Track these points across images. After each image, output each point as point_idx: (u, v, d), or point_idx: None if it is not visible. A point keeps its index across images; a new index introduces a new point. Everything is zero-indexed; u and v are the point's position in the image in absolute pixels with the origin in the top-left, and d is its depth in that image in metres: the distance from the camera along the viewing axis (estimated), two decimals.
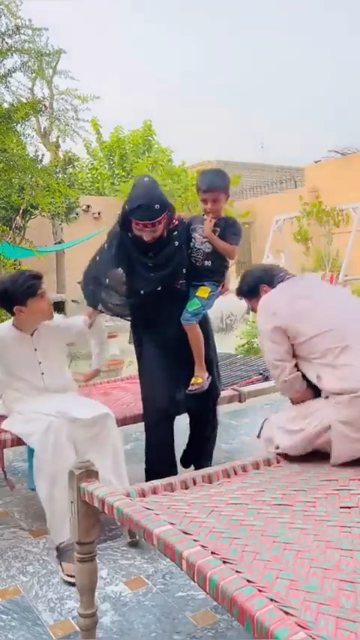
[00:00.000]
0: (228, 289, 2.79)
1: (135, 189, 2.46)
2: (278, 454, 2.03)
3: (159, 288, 2.55)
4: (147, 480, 1.99)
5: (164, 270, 2.54)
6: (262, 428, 2.23)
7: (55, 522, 2.22)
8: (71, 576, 2.06)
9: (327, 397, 1.96)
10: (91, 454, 2.32)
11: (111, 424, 2.43)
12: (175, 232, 2.56)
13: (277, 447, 2.05)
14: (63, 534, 2.19)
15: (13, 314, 2.55)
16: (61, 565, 2.19)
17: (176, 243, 2.55)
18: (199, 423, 2.84)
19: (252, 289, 2.35)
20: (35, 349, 2.63)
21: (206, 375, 2.66)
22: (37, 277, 2.56)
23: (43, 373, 2.65)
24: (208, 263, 2.61)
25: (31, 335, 2.63)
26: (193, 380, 2.64)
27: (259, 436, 2.23)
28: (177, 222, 2.59)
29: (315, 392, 2.08)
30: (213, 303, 2.71)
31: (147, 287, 2.55)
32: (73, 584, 2.02)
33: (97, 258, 2.68)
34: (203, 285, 2.63)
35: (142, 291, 2.56)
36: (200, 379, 2.64)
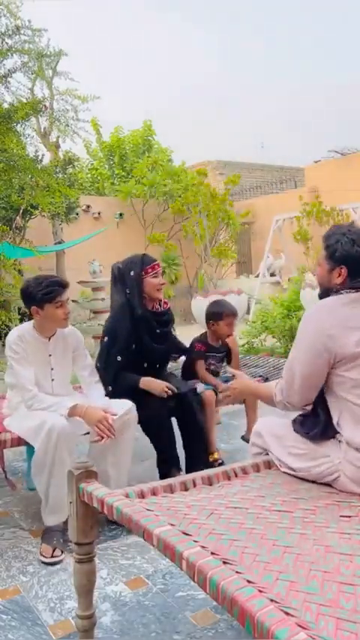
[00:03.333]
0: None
1: (128, 259, 2.96)
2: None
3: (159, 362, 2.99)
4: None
5: (163, 344, 2.97)
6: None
7: (46, 510, 2.40)
8: (43, 556, 2.28)
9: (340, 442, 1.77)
10: (111, 447, 2.52)
11: (134, 416, 2.64)
12: (168, 314, 3.04)
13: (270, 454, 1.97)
14: (51, 520, 2.38)
15: (31, 313, 2.59)
16: (40, 545, 2.35)
17: (170, 325, 3.05)
18: (188, 425, 2.91)
19: None
20: (50, 355, 2.66)
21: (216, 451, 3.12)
22: (61, 285, 2.55)
23: (53, 380, 2.67)
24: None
25: (48, 340, 2.65)
26: (212, 458, 3.04)
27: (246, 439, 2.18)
28: (168, 305, 3.07)
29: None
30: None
31: (151, 358, 2.93)
32: (46, 564, 2.25)
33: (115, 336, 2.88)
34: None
35: (145, 364, 2.91)
36: (217, 454, 3.08)
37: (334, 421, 1.77)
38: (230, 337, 3.26)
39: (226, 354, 3.37)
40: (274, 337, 6.55)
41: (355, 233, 1.82)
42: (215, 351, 3.27)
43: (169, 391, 2.74)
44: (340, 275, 1.81)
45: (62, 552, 2.29)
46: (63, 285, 2.57)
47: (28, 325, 2.64)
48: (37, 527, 2.54)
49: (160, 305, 3.00)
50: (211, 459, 3.03)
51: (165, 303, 3.05)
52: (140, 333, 2.85)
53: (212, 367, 3.28)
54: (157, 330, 2.91)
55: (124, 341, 2.83)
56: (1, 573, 2.21)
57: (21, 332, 2.58)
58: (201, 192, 11.44)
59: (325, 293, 1.87)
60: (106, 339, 2.89)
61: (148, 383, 2.79)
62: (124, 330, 2.83)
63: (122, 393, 2.74)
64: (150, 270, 2.85)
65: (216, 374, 3.31)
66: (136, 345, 2.86)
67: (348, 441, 1.71)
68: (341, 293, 1.79)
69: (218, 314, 3.23)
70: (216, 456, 3.07)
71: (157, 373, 2.92)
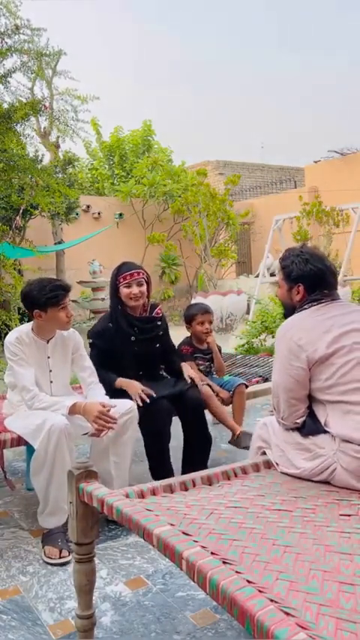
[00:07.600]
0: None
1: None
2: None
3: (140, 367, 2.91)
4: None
5: (146, 347, 2.89)
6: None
7: (45, 512, 2.38)
8: (50, 557, 2.27)
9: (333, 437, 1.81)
10: (113, 447, 2.57)
11: (135, 416, 2.62)
12: (160, 322, 2.98)
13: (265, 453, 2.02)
14: (50, 523, 2.37)
15: (32, 316, 2.57)
16: (43, 549, 2.32)
17: (161, 332, 2.97)
18: (193, 432, 2.89)
19: None
20: (48, 357, 2.65)
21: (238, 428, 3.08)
22: (65, 289, 2.56)
23: (52, 382, 2.67)
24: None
25: (47, 342, 2.65)
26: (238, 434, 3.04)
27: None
28: (161, 313, 3.02)
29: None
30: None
31: (130, 363, 2.87)
32: (52, 564, 2.24)
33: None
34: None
35: (128, 369, 2.86)
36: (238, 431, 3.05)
37: (322, 423, 1.84)
38: (209, 336, 3.29)
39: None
40: (274, 337, 6.54)
41: (307, 253, 2.03)
42: (201, 352, 3.31)
43: (144, 397, 2.68)
44: (298, 292, 2.01)
45: (69, 553, 2.25)
46: (66, 289, 2.57)
47: (26, 327, 2.64)
48: (37, 527, 2.53)
49: (149, 312, 2.97)
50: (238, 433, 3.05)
51: (158, 311, 3.00)
52: (117, 337, 2.87)
53: (201, 367, 3.30)
54: (132, 338, 2.87)
55: (103, 343, 2.88)
56: (1, 573, 2.20)
57: (19, 334, 2.58)
58: (201, 193, 11.42)
59: (288, 310, 2.05)
60: (90, 341, 2.94)
61: (126, 384, 2.78)
62: (104, 332, 2.89)
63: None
64: (122, 280, 2.86)
65: (206, 374, 3.33)
66: (116, 349, 2.86)
67: (338, 435, 1.77)
68: (304, 308, 1.95)
69: (190, 316, 3.32)
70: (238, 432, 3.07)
71: (145, 378, 2.88)
